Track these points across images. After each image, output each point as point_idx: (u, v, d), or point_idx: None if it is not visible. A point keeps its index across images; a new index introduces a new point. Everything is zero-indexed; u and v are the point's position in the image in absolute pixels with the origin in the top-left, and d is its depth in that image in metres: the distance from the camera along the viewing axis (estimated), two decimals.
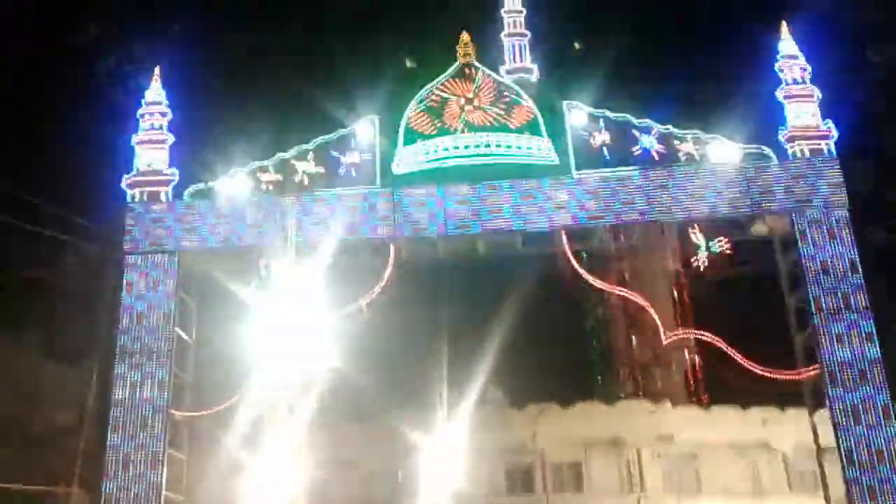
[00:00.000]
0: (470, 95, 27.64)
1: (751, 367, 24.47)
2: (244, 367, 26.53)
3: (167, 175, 27.79)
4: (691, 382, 54.82)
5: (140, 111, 28.37)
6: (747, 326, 26.40)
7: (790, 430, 32.06)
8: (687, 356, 55.72)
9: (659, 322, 25.73)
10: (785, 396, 31.10)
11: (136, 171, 27.79)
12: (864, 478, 22.47)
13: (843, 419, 23.17)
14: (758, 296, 27.25)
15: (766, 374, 24.52)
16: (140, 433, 25.02)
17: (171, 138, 28.15)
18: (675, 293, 36.36)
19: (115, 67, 32.25)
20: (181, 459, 26.28)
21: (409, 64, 27.05)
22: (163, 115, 28.41)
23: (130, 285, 26.68)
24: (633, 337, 56.41)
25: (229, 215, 27.16)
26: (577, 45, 26.92)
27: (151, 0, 32.92)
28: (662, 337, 25.60)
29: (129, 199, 27.54)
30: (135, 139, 28.04)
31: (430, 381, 31.50)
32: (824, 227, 24.92)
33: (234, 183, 27.61)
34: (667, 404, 35.81)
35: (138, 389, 25.57)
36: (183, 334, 27.06)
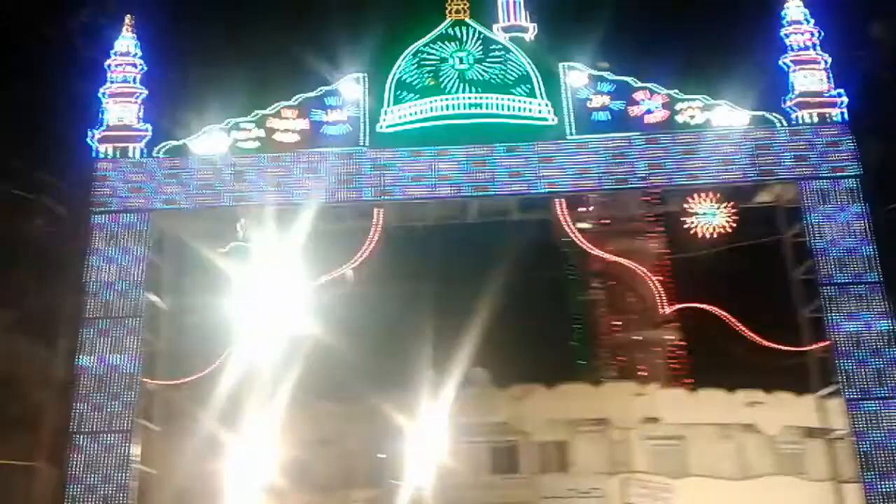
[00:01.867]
0: (462, 54, 26.19)
1: (757, 341, 23.32)
2: (221, 335, 25.13)
3: (139, 130, 26.10)
4: (675, 365, 54.30)
5: (109, 62, 26.60)
6: (749, 300, 25.29)
7: (777, 412, 31.98)
8: (671, 338, 55.20)
9: (661, 290, 24.48)
10: (772, 379, 30.47)
11: (105, 126, 26.08)
12: (877, 455, 21.45)
13: (854, 394, 22.14)
14: (760, 267, 26.12)
15: (772, 347, 23.35)
16: (109, 403, 23.42)
17: (143, 91, 26.42)
18: (673, 265, 35.34)
19: (83, 17, 30.30)
20: (155, 431, 24.67)
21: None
22: (134, 66, 26.65)
23: (98, 246, 25.01)
24: (619, 318, 55.80)
25: (204, 174, 25.53)
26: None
27: None
28: (664, 307, 24.35)
29: (97, 154, 25.80)
30: (102, 90, 26.28)
31: (414, 359, 30.47)
32: (834, 195, 23.85)
33: (210, 140, 25.98)
34: (653, 386, 35.33)
35: (107, 357, 23.93)
36: (156, 299, 25.46)
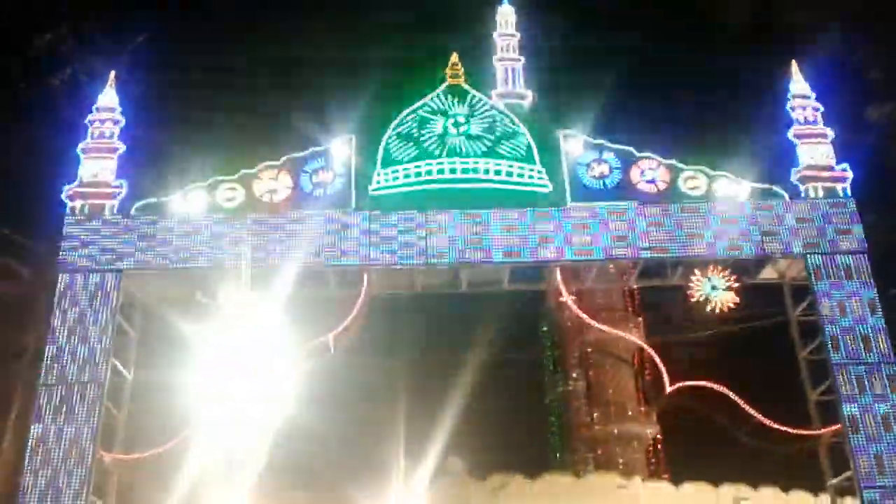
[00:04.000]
0: (458, 118, 25.34)
1: (766, 423, 21.85)
2: (188, 409, 23.19)
3: (114, 187, 24.76)
4: (653, 458, 52.72)
5: (90, 117, 25.48)
6: (755, 380, 23.91)
7: None
8: (651, 431, 53.68)
9: (663, 367, 23.04)
10: (757, 473, 29.24)
11: (79, 182, 24.74)
12: None
13: (869, 473, 20.59)
14: (765, 347, 24.84)
15: (780, 430, 21.89)
16: (60, 475, 21.33)
17: (121, 147, 25.21)
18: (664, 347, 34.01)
19: (68, 76, 29.37)
20: None
21: None
22: (115, 122, 25.52)
23: (62, 307, 23.31)
24: (597, 410, 54.26)
25: (180, 234, 24.13)
26: None
27: (111, 6, 30.02)
28: (666, 386, 22.86)
29: (69, 212, 24.38)
30: (80, 146, 25.07)
31: (389, 442, 28.75)
32: (841, 269, 22.88)
33: (190, 199, 24.68)
34: (636, 479, 33.84)
35: (63, 425, 21.96)
36: (120, 366, 23.66)
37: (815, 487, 27.24)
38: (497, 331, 32.03)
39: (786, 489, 31.52)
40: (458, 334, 31.25)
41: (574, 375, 59.46)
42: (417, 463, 27.15)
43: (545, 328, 58.70)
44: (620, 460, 51.80)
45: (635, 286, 26.28)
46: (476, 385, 30.36)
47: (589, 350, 54.55)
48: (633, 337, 38.52)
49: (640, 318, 49.95)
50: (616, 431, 54.44)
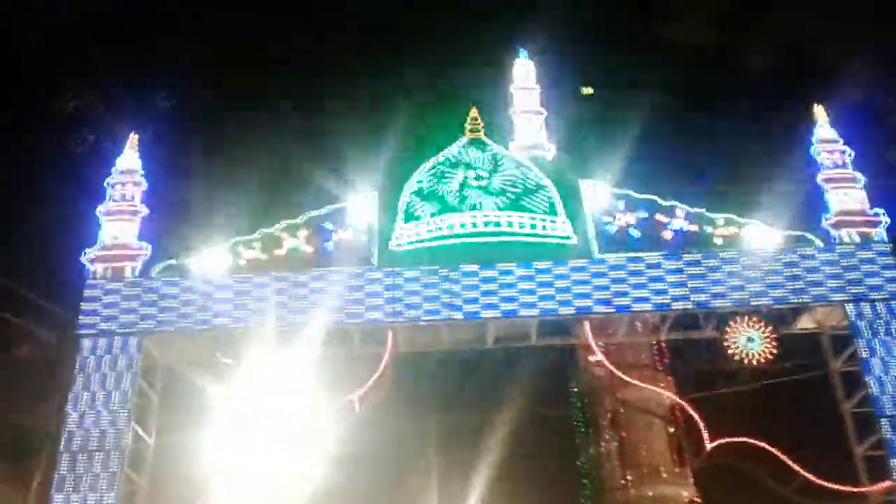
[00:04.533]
0: (480, 171, 25.04)
1: (813, 481, 20.84)
2: (208, 473, 22.58)
3: (136, 250, 24.56)
4: None
5: (110, 180, 25.39)
6: (796, 436, 22.91)
7: None
8: (687, 494, 52.02)
9: (701, 423, 22.15)
10: None
11: (100, 245, 24.57)
12: None
13: None
14: (805, 400, 23.88)
15: (831, 487, 20.85)
16: None
17: (143, 210, 25.08)
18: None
19: (91, 139, 29.44)
20: None
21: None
22: (136, 185, 25.45)
23: (84, 372, 22.96)
24: (631, 472, 52.75)
25: (203, 295, 23.81)
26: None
27: (131, 67, 30.22)
28: (706, 443, 21.95)
29: (90, 275, 24.17)
30: (100, 209, 24.94)
31: None
32: (882, 316, 22.05)
33: (211, 259, 24.41)
34: None
35: (86, 494, 21.42)
36: (141, 432, 23.14)
37: None
38: (526, 390, 31.07)
39: None
40: (491, 393, 30.38)
41: (606, 437, 58.00)
42: None
43: (575, 388, 57.57)
44: None
45: (665, 339, 25.39)
46: (506, 447, 29.29)
47: (621, 410, 53.24)
48: (669, 393, 37.48)
49: (671, 378, 48.86)
50: (651, 494, 52.74)
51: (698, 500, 52.87)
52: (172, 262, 24.48)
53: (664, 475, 52.52)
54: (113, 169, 25.67)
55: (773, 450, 21.57)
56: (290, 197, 26.11)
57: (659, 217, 24.12)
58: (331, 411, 23.36)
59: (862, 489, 21.64)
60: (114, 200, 25.14)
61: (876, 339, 21.99)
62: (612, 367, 24.13)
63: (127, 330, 23.45)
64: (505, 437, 29.62)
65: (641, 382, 37.61)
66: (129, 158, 25.87)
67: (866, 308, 22.37)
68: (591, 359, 23.13)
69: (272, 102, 31.42)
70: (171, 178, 27.41)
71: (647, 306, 23.07)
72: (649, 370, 51.00)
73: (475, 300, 23.15)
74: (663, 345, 25.62)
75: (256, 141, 29.43)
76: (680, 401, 30.26)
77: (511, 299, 23.09)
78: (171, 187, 27.04)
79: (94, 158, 28.75)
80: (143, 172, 25.68)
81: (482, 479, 27.86)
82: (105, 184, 25.40)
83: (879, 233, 23.45)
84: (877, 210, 23.76)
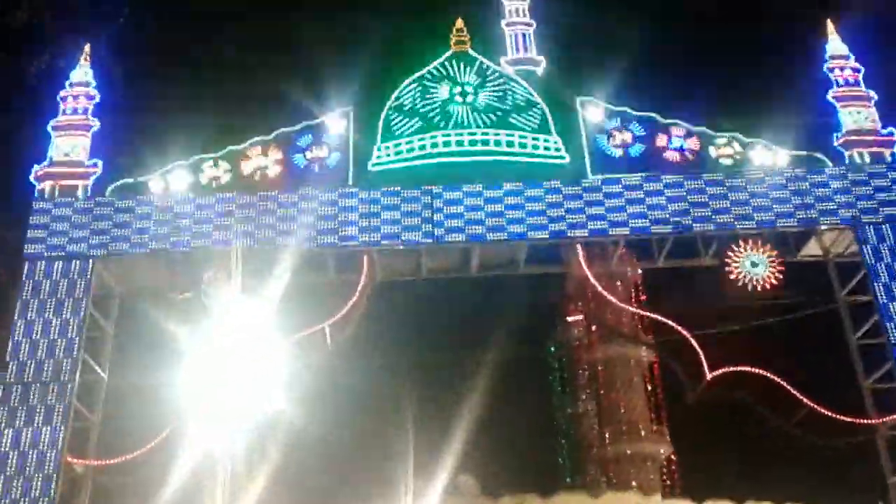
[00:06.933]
0: (466, 87, 23.14)
1: (818, 412, 19.45)
2: (171, 411, 20.70)
3: (88, 167, 22.47)
4: (666, 478, 50.37)
5: (62, 93, 23.25)
6: (798, 369, 21.47)
7: None
8: (662, 451, 51.36)
9: (702, 354, 20.59)
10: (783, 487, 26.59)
11: (49, 161, 22.45)
12: None
13: None
14: (808, 332, 22.42)
15: (836, 418, 19.47)
16: (26, 485, 18.81)
17: (95, 124, 22.95)
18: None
19: (42, 53, 27.04)
20: None
21: None
22: (89, 98, 23.31)
23: (28, 299, 20.90)
24: (609, 430, 51.96)
25: (160, 217, 21.79)
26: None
27: None
28: (706, 372, 20.42)
29: (39, 195, 22.04)
30: (51, 123, 22.80)
31: (395, 454, 26.14)
32: (889, 241, 20.57)
33: (170, 179, 22.37)
34: (656, 497, 31.18)
35: (27, 429, 19.44)
36: (93, 363, 21.18)
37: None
38: (525, 313, 29.16)
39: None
40: (474, 325, 28.76)
41: (583, 396, 57.25)
42: (427, 481, 24.50)
43: (552, 349, 56.76)
44: (634, 482, 49.47)
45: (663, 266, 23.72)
46: (487, 396, 27.74)
47: (599, 369, 52.50)
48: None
49: (650, 336, 47.90)
50: (629, 451, 52.12)
51: (675, 458, 51.98)
52: (128, 180, 22.49)
53: (643, 433, 51.86)
54: (66, 82, 23.49)
55: (776, 379, 20.05)
56: (260, 114, 24.10)
57: (659, 136, 22.39)
58: (301, 343, 21.57)
59: (870, 422, 20.21)
60: (65, 114, 23.01)
61: (887, 264, 20.48)
62: (608, 295, 22.40)
63: (76, 251, 21.40)
64: (485, 385, 28.06)
65: (623, 343, 36.48)
66: (82, 71, 23.71)
67: (877, 230, 20.85)
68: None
69: (239, 10, 29.09)
70: (130, 93, 25.25)
71: (646, 227, 21.35)
72: (629, 329, 49.92)
73: (459, 223, 21.34)
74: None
75: (221, 53, 27.19)
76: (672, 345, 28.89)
77: (498, 221, 21.29)
78: (129, 103, 24.91)
79: (46, 75, 26.52)
80: (95, 84, 23.52)
81: (461, 430, 26.24)
82: (57, 98, 23.26)
83: (893, 152, 21.93)
84: (891, 129, 22.22)
